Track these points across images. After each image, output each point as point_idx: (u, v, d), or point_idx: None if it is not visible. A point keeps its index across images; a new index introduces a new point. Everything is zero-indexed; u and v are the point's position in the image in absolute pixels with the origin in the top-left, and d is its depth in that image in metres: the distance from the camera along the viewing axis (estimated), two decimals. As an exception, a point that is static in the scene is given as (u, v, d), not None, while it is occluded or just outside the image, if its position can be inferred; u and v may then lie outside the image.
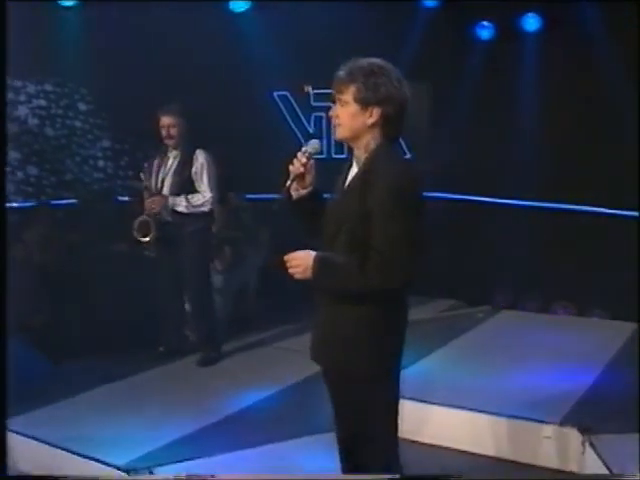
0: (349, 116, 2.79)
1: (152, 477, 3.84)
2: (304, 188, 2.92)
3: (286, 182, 2.90)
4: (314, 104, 8.69)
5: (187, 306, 5.65)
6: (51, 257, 6.27)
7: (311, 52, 7.61)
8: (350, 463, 3.06)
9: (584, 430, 3.71)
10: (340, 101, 2.81)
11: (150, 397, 4.86)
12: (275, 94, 8.58)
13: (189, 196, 5.32)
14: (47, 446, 4.19)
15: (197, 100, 7.00)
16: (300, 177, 2.90)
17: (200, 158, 5.36)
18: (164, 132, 5.35)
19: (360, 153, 2.85)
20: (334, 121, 2.86)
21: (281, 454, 4.05)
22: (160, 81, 7.22)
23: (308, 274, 2.72)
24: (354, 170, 2.88)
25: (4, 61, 3.76)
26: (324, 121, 8.66)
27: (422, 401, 4.31)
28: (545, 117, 6.89)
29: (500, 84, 7.14)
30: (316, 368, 5.17)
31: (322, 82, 8.28)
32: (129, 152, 8.26)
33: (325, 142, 8.69)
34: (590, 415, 3.94)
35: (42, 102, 7.76)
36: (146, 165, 5.56)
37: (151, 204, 5.34)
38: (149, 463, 3.89)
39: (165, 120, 5.34)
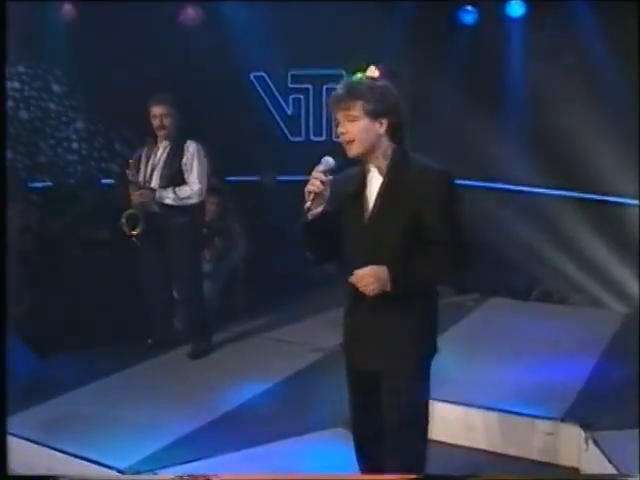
0: (361, 130, 2.83)
1: (153, 477, 3.83)
2: (317, 208, 2.87)
3: (305, 203, 2.86)
4: (291, 85, 8.67)
5: (177, 297, 5.59)
6: (30, 243, 6.16)
7: (290, 35, 7.56)
8: (372, 461, 3.16)
9: (586, 427, 3.77)
10: (348, 117, 2.83)
11: (144, 393, 4.80)
12: (252, 75, 8.51)
13: (177, 189, 5.24)
14: (45, 448, 4.14)
15: (172, 83, 6.98)
16: (317, 196, 2.85)
17: (191, 149, 5.27)
18: (156, 122, 5.23)
19: (379, 162, 2.89)
20: (343, 139, 2.87)
21: (285, 452, 4.05)
22: (134, 61, 7.14)
23: (387, 287, 2.78)
24: (377, 179, 2.89)
25: (4, 61, 3.71)
26: (302, 102, 8.68)
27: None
28: (530, 102, 6.93)
29: (484, 69, 7.15)
30: (308, 360, 5.32)
31: (300, 64, 8.43)
32: (103, 133, 8.16)
33: (303, 124, 8.74)
34: (590, 410, 3.99)
35: (16, 84, 7.60)
36: (134, 156, 5.45)
37: (139, 197, 5.24)
38: (152, 465, 3.86)
39: (157, 110, 5.23)
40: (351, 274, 2.88)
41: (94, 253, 6.09)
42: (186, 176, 5.25)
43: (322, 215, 2.88)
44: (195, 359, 5.38)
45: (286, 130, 8.61)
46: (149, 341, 5.56)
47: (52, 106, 7.89)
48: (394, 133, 2.86)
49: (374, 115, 2.81)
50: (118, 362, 5.29)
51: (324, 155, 2.93)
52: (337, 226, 2.95)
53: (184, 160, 5.25)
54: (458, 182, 2.93)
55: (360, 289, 2.81)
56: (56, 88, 7.87)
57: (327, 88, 8.55)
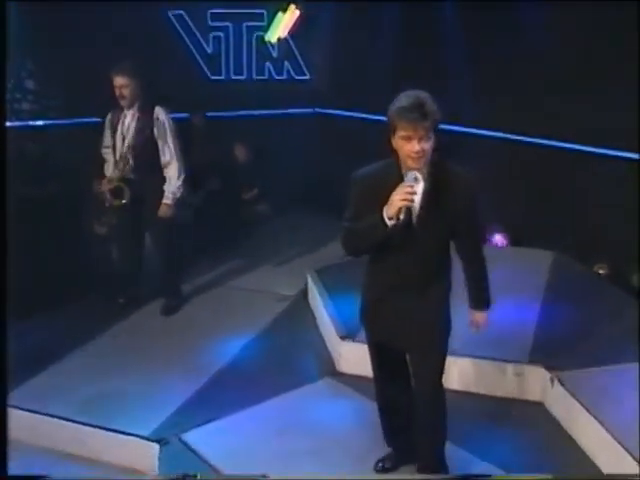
0: (430, 148, 3.15)
1: (152, 477, 4.08)
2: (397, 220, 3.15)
3: (395, 213, 3.12)
4: (212, 24, 8.64)
5: (149, 256, 5.77)
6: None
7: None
8: (396, 425, 3.77)
9: (550, 368, 4.41)
10: (425, 138, 3.10)
11: (132, 357, 5.04)
12: (170, 14, 8.41)
13: (170, 188, 5.41)
14: (61, 421, 4.37)
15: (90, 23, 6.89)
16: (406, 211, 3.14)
17: (161, 117, 5.38)
18: (117, 92, 5.32)
19: (422, 169, 3.21)
20: (418, 155, 3.12)
21: (290, 405, 4.48)
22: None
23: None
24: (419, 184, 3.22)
25: (4, 61, 3.67)
26: (222, 41, 8.69)
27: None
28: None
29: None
30: (276, 310, 5.68)
31: (219, 1, 8.39)
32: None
33: (223, 63, 8.76)
34: (551, 351, 4.60)
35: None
36: (105, 122, 5.54)
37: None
38: (172, 431, 4.21)
39: (118, 80, 5.31)
40: (394, 267, 3.35)
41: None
42: (160, 146, 5.38)
43: (397, 225, 3.16)
44: (168, 315, 5.67)
45: (206, 69, 8.65)
46: (120, 301, 5.77)
47: None
48: (437, 144, 3.20)
49: (434, 132, 3.13)
50: (93, 325, 5.48)
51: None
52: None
53: (155, 129, 5.36)
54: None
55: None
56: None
57: (247, 26, 8.68)
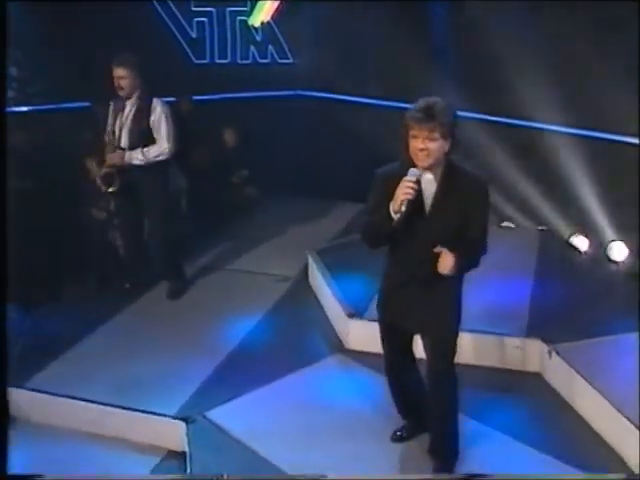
0: (438, 149, 3.41)
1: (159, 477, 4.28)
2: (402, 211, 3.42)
3: (395, 207, 3.40)
4: (195, 9, 8.73)
5: (152, 242, 5.90)
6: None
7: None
8: (415, 406, 4.04)
9: (548, 341, 4.72)
10: (429, 137, 3.37)
11: (145, 341, 5.23)
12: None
13: (145, 149, 5.54)
14: (86, 403, 4.56)
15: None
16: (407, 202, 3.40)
17: (159, 108, 5.55)
18: (115, 83, 5.48)
19: (436, 169, 3.50)
20: (422, 153, 3.40)
21: (305, 381, 4.74)
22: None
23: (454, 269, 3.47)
24: (431, 183, 3.51)
25: (4, 61, 3.71)
26: (206, 26, 8.79)
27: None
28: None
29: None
30: (279, 291, 5.90)
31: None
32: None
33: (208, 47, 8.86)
34: (546, 325, 4.91)
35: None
36: (104, 112, 5.67)
37: (111, 159, 5.54)
38: (195, 410, 4.42)
39: (117, 71, 5.47)
40: (409, 258, 3.60)
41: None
42: (155, 134, 5.54)
43: (402, 218, 3.42)
44: (174, 299, 5.87)
45: (190, 53, 8.75)
46: (126, 286, 5.94)
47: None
48: (451, 149, 3.46)
49: (446, 136, 3.40)
50: (103, 310, 5.65)
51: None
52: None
53: (152, 119, 5.53)
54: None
55: (440, 267, 3.45)
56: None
57: (230, 11, 8.79)
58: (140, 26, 8.00)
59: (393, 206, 3.40)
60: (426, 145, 3.38)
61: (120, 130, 5.55)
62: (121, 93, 5.52)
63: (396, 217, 3.40)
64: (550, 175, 6.68)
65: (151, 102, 5.55)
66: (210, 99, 8.36)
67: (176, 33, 8.59)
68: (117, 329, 5.46)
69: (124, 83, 5.47)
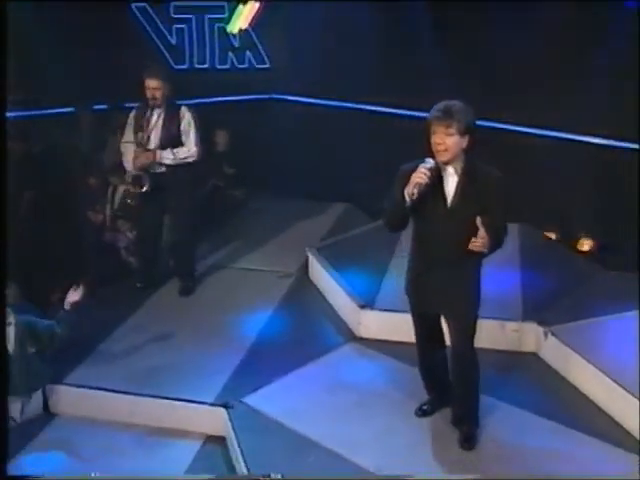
0: (454, 144, 3.89)
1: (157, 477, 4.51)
2: (416, 194, 3.89)
3: (409, 190, 3.87)
4: (174, 16, 9.02)
5: (171, 242, 6.25)
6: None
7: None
8: (440, 380, 4.47)
9: (543, 323, 5.26)
10: (446, 133, 3.86)
11: (166, 336, 5.52)
12: (134, 6, 8.73)
13: (175, 150, 5.89)
14: (123, 395, 4.91)
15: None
16: (420, 185, 3.87)
17: (187, 115, 5.91)
18: (150, 94, 5.82)
19: (455, 165, 3.98)
20: (440, 147, 3.89)
21: (328, 367, 5.17)
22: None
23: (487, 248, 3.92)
24: (452, 177, 3.97)
25: (4, 61, 3.99)
26: (185, 33, 9.08)
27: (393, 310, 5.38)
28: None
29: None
30: (284, 286, 6.28)
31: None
32: None
33: (187, 53, 9.15)
34: (539, 309, 5.44)
35: None
36: (130, 120, 5.99)
37: (142, 160, 5.85)
38: (231, 397, 4.80)
39: (151, 83, 5.80)
40: (434, 246, 4.05)
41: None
42: (183, 139, 5.89)
43: (416, 201, 3.89)
44: (187, 295, 6.21)
45: (170, 58, 9.02)
46: (138, 285, 6.25)
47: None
48: (470, 146, 3.94)
49: (462, 133, 3.87)
50: (120, 308, 5.94)
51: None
52: (417, 207, 3.96)
53: (182, 126, 5.88)
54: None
55: (475, 246, 3.88)
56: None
57: (209, 18, 9.11)
58: (121, 32, 8.25)
59: (407, 189, 3.85)
60: (443, 140, 3.85)
61: (149, 135, 5.87)
62: (155, 103, 5.86)
63: (409, 200, 3.84)
64: (524, 173, 7.24)
65: (179, 109, 5.92)
66: (189, 104, 8.66)
67: (156, 39, 8.89)
68: (137, 326, 5.72)
69: (159, 94, 5.82)
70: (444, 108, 3.88)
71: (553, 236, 7.16)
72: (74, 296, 4.72)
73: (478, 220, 3.85)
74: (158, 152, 5.85)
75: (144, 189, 5.90)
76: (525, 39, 6.93)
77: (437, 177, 3.98)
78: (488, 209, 3.94)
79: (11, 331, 4.52)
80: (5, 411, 4.19)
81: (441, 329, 4.38)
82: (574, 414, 4.65)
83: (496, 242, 3.97)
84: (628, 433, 4.44)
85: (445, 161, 3.93)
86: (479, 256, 4.09)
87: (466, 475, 4.18)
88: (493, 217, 3.95)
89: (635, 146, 6.68)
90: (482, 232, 3.84)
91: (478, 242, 3.85)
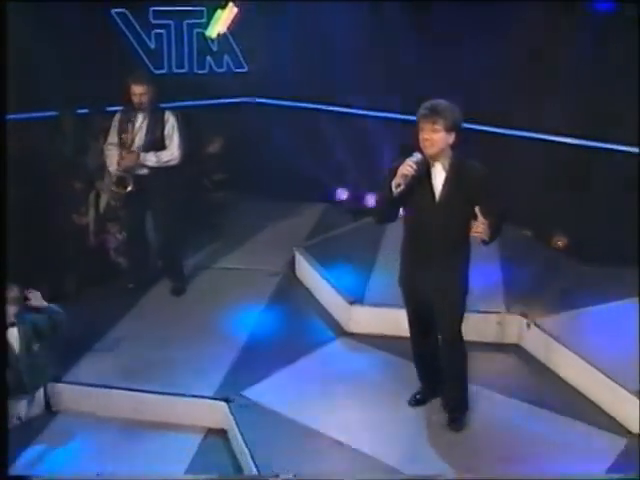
0: (441, 139, 4.13)
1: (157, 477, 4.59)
2: (403, 186, 4.10)
3: (396, 182, 4.08)
4: (153, 21, 9.14)
5: (158, 244, 6.40)
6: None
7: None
8: (432, 369, 4.69)
9: (525, 315, 5.52)
10: (432, 129, 4.10)
11: (161, 335, 5.67)
12: (113, 11, 8.83)
13: (158, 153, 6.02)
14: (124, 391, 5.06)
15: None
16: (406, 178, 4.08)
17: (171, 119, 6.05)
18: (136, 99, 5.95)
19: (443, 160, 4.23)
20: (427, 143, 4.13)
21: (322, 361, 5.38)
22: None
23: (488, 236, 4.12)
24: (440, 172, 4.22)
25: (4, 61, 4.07)
26: (164, 37, 9.21)
27: (382, 305, 5.66)
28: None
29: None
30: (272, 284, 6.46)
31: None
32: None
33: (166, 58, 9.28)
34: (520, 301, 5.70)
35: None
36: (115, 123, 6.11)
37: (126, 161, 5.98)
38: (231, 391, 4.97)
39: (137, 89, 5.93)
40: (424, 239, 4.29)
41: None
42: (167, 142, 6.05)
43: (402, 192, 4.11)
44: (178, 295, 6.38)
45: (149, 63, 9.13)
46: (130, 286, 6.38)
47: None
48: (456, 143, 4.18)
49: (449, 130, 4.12)
50: (110, 308, 6.06)
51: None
52: (407, 201, 4.21)
53: (166, 130, 6.03)
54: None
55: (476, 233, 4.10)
56: None
57: (188, 23, 9.24)
58: (100, 38, 8.34)
59: (395, 180, 4.07)
60: (430, 136, 4.10)
61: (133, 138, 6.01)
62: (141, 107, 6.00)
63: (396, 191, 4.06)
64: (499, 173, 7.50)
65: (163, 113, 6.07)
66: (168, 107, 8.79)
67: (135, 44, 8.99)
68: (131, 326, 5.87)
69: (145, 99, 5.97)
70: (431, 106, 4.12)
71: (529, 233, 7.44)
72: (34, 301, 4.76)
73: (477, 209, 4.08)
74: (142, 154, 6.01)
75: (128, 189, 6.03)
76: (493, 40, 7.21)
77: (426, 172, 4.20)
78: (480, 200, 4.14)
79: (16, 331, 4.65)
80: (5, 411, 4.28)
81: (433, 319, 4.58)
82: (556, 400, 4.91)
83: (496, 229, 4.17)
84: (610, 417, 4.71)
85: (432, 154, 4.15)
86: (468, 247, 4.35)
87: (457, 460, 4.39)
88: (489, 206, 4.14)
89: (601, 145, 6.99)
90: (481, 218, 4.05)
91: (479, 227, 4.06)
